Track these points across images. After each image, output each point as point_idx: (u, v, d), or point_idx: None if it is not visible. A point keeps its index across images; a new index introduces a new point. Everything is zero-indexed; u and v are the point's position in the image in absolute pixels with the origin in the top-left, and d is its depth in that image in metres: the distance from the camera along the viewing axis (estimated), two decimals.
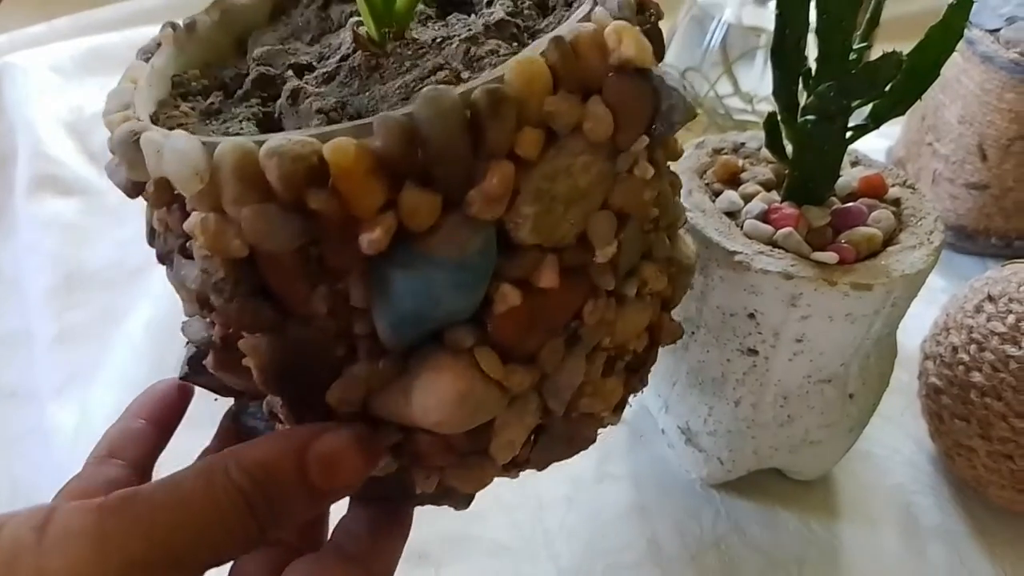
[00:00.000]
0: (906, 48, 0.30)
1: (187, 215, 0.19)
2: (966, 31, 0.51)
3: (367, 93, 0.21)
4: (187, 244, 0.20)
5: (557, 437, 0.24)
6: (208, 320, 0.22)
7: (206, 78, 0.24)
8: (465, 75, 0.20)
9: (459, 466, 0.22)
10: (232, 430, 0.26)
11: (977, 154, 0.52)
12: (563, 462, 0.43)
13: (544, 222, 0.19)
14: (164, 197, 0.19)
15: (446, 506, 0.25)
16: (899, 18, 0.81)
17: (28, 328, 0.51)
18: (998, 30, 0.50)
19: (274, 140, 0.17)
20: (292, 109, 0.21)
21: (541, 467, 0.25)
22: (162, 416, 0.27)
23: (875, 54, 0.30)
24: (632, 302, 0.23)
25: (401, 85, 0.21)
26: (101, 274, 0.55)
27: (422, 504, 0.25)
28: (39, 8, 0.79)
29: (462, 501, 0.26)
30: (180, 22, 0.24)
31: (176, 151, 0.18)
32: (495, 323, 0.20)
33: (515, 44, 0.22)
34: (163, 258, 0.22)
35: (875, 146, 0.65)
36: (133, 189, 0.21)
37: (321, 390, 0.20)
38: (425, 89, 0.17)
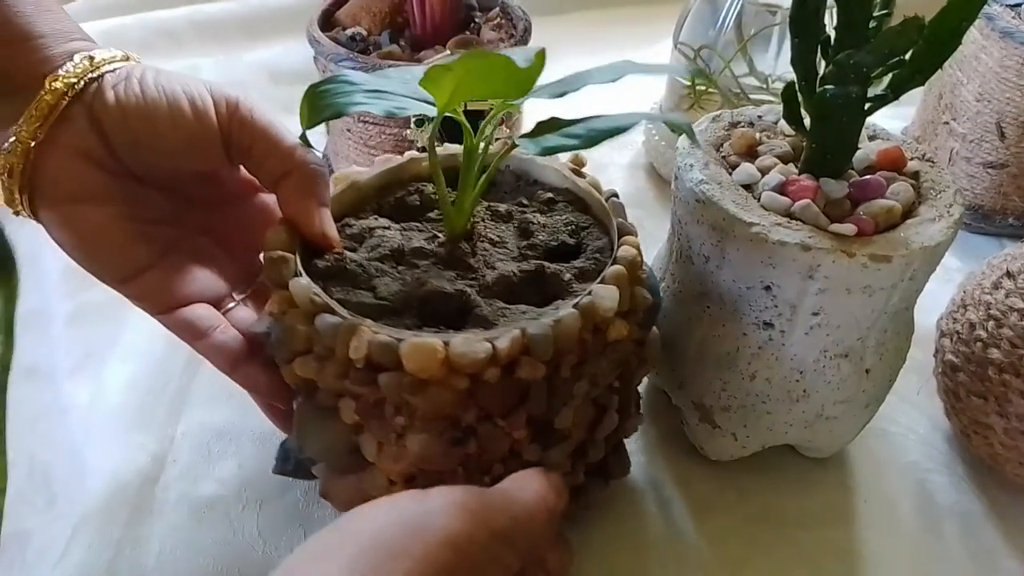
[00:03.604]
0: None
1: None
2: (987, 7, 0.51)
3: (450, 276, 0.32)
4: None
5: None
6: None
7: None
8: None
9: None
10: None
11: (995, 132, 0.51)
12: None
13: None
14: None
15: None
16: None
17: (46, 307, 0.52)
18: (1019, 5, 0.49)
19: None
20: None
21: None
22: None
23: None
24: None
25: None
26: None
27: None
28: None
29: None
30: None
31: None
32: None
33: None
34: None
35: (890, 126, 0.64)
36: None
37: None
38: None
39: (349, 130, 0.51)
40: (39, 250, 0.56)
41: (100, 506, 0.39)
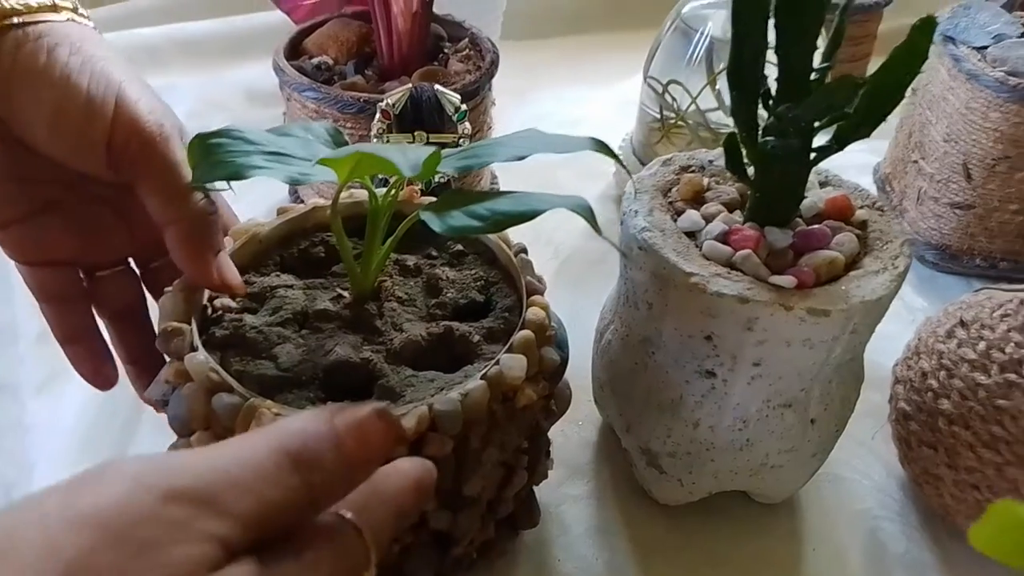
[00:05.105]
0: None
1: None
2: (954, 48, 0.50)
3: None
4: None
5: None
6: None
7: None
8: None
9: None
10: None
11: (962, 173, 0.51)
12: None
13: None
14: None
15: None
16: (900, 30, 0.81)
17: (14, 323, 0.52)
18: (985, 47, 0.49)
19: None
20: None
21: None
22: None
23: (872, 68, 0.29)
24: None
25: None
26: None
27: None
28: None
29: None
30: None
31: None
32: None
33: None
34: None
35: (863, 161, 0.65)
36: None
37: None
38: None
39: None
40: (7, 265, 0.56)
41: None
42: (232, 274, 0.31)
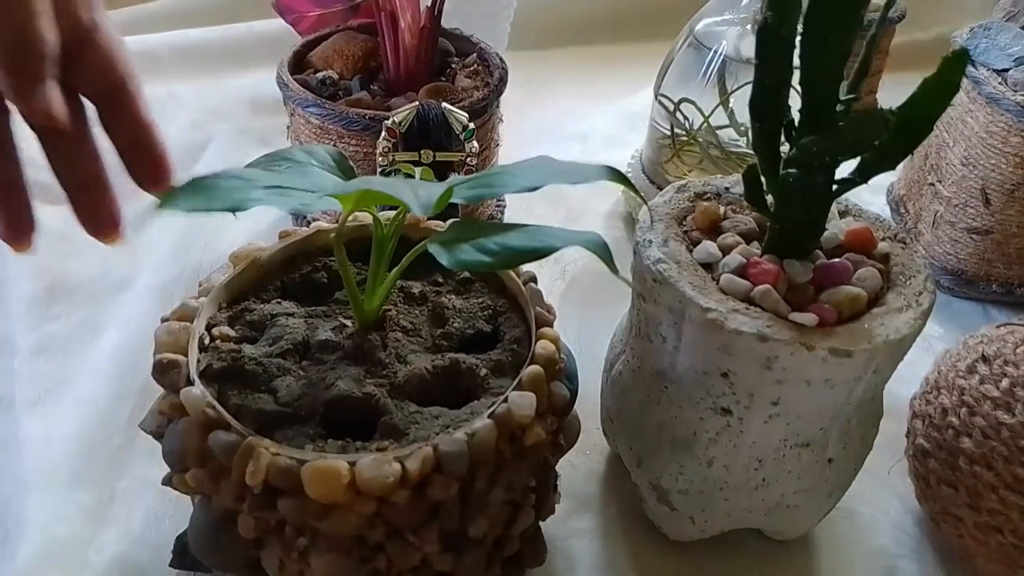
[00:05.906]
0: (917, 78, 0.28)
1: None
2: (973, 70, 0.49)
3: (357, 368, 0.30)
4: None
5: None
6: None
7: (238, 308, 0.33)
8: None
9: None
10: None
11: (980, 198, 0.50)
12: None
13: None
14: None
15: None
16: (911, 45, 0.80)
17: (9, 336, 0.51)
18: (1006, 71, 0.48)
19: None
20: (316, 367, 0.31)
21: None
22: None
23: (884, 84, 0.28)
24: None
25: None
26: (83, 287, 0.54)
27: None
28: None
29: None
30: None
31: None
32: None
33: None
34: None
35: (877, 181, 0.63)
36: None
37: None
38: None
39: None
40: (4, 279, 0.55)
41: (30, 567, 0.37)
42: (58, 106, 0.27)
